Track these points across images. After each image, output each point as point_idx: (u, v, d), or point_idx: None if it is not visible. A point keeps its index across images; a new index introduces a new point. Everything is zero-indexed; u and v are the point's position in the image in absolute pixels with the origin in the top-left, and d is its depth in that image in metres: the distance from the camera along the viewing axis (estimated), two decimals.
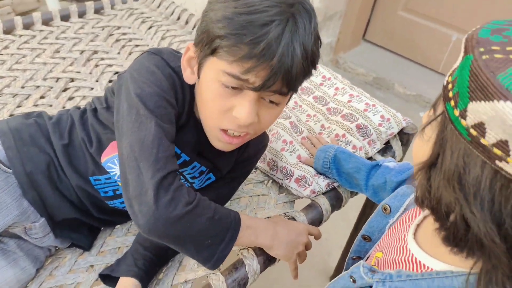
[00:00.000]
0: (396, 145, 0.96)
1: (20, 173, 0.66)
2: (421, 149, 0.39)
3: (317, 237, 0.75)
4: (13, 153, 0.66)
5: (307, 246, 0.72)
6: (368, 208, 1.10)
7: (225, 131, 0.59)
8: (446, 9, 2.16)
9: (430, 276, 0.41)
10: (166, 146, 0.56)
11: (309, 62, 0.54)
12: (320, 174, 0.84)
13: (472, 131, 0.32)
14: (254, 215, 0.81)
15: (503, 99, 0.29)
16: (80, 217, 0.72)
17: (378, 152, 0.94)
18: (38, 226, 0.68)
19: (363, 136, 0.92)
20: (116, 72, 1.15)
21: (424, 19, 2.27)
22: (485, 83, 0.30)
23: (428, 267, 0.44)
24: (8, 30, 1.23)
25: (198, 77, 0.59)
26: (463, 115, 0.32)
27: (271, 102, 0.58)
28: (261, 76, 0.52)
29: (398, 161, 0.98)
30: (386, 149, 0.96)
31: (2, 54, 1.14)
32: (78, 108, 0.75)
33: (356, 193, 0.88)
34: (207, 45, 0.54)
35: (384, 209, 0.62)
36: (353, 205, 1.14)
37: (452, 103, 0.33)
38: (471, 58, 0.31)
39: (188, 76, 0.61)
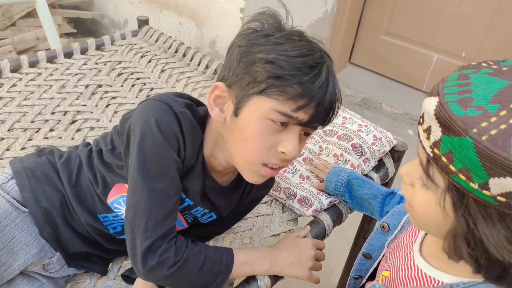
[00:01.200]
0: (389, 162, 1.03)
1: (36, 212, 0.69)
2: (432, 211, 0.42)
3: (322, 249, 0.79)
4: (28, 193, 0.69)
5: (319, 258, 0.76)
6: (366, 224, 1.15)
7: (265, 164, 0.61)
8: (425, 32, 2.29)
9: None
10: (159, 210, 0.59)
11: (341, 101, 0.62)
12: (323, 192, 0.90)
13: (500, 198, 0.34)
14: (260, 234, 0.86)
15: None
16: (91, 250, 0.75)
17: (372, 169, 1.01)
18: (55, 261, 0.72)
19: (359, 155, 0.99)
20: (121, 104, 1.22)
21: (405, 42, 2.40)
22: (504, 163, 0.33)
23: (438, 281, 0.47)
24: (15, 69, 1.29)
25: (236, 115, 0.59)
26: (485, 187, 0.35)
27: (305, 134, 0.62)
28: (309, 113, 0.57)
29: (391, 177, 1.05)
30: (380, 166, 1.03)
31: (10, 92, 1.20)
32: (87, 144, 0.77)
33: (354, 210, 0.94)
34: (252, 84, 0.57)
35: (383, 227, 0.67)
36: (351, 223, 1.20)
37: (462, 177, 0.36)
38: (471, 141, 0.34)
39: (217, 115, 0.62)
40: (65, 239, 0.71)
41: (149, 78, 1.35)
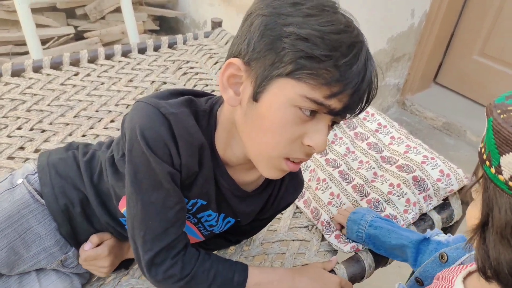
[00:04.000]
0: (456, 204, 0.89)
1: (54, 209, 0.67)
2: (471, 214, 0.41)
3: None
4: (48, 189, 0.67)
5: None
6: None
7: (287, 158, 0.53)
8: None
9: None
10: (156, 223, 0.56)
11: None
12: None
13: (511, 183, 0.33)
14: (293, 260, 0.80)
15: None
16: None
17: (434, 208, 0.88)
18: (72, 255, 0.71)
19: (419, 190, 0.87)
20: None
21: (502, 65, 2.13)
22: (508, 136, 0.33)
23: None
24: (92, 60, 1.37)
25: (255, 100, 0.50)
26: (499, 170, 0.34)
27: (332, 124, 0.53)
28: (343, 101, 0.48)
29: (457, 221, 0.91)
30: (444, 206, 0.90)
31: (83, 81, 1.27)
32: (110, 145, 0.70)
33: None
34: (277, 64, 0.47)
35: (441, 257, 0.61)
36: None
37: (487, 163, 0.36)
38: (492, 120, 0.35)
39: (231, 98, 0.52)
40: (86, 236, 0.70)
41: (212, 80, 1.35)
